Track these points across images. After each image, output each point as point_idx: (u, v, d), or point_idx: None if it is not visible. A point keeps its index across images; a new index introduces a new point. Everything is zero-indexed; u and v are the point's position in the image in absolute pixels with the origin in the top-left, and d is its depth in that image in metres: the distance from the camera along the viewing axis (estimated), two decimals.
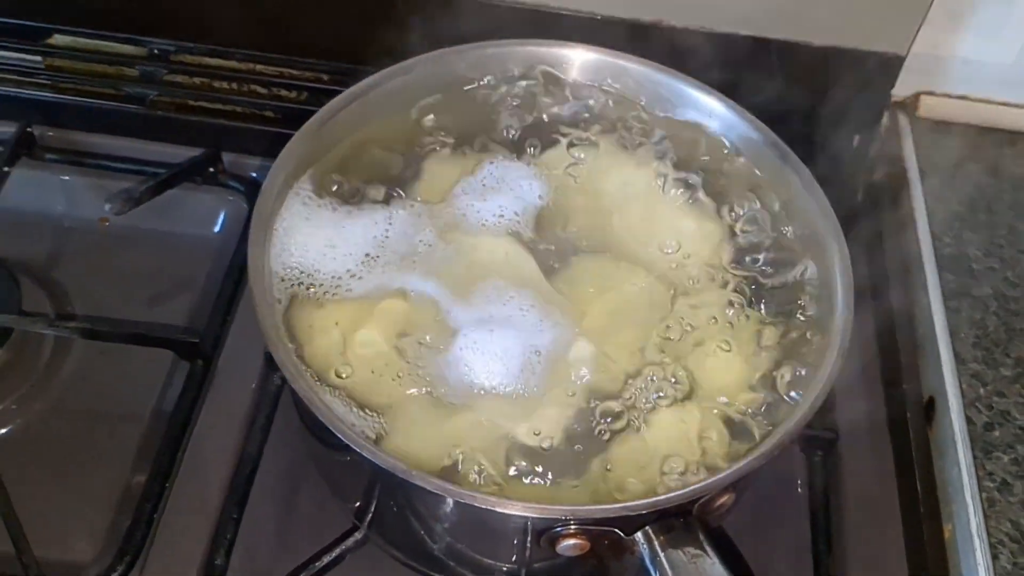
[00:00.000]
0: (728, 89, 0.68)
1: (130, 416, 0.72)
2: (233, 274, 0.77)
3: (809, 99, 0.80)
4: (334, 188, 0.62)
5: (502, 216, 0.61)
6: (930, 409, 0.70)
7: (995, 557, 0.62)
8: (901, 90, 0.84)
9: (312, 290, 0.57)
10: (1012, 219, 0.79)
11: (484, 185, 0.62)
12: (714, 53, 0.77)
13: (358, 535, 0.62)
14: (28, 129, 0.82)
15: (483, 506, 0.48)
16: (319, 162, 0.63)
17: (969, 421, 0.68)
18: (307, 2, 0.82)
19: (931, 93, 0.84)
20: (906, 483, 0.69)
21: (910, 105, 0.85)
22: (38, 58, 0.86)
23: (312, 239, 0.59)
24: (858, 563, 0.66)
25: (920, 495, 0.68)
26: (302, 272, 0.58)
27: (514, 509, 0.49)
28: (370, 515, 0.61)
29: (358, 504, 0.62)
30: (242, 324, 0.74)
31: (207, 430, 0.69)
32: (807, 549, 0.68)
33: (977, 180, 0.82)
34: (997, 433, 0.67)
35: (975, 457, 0.66)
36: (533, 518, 0.49)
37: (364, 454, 0.49)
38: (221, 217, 0.83)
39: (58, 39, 0.86)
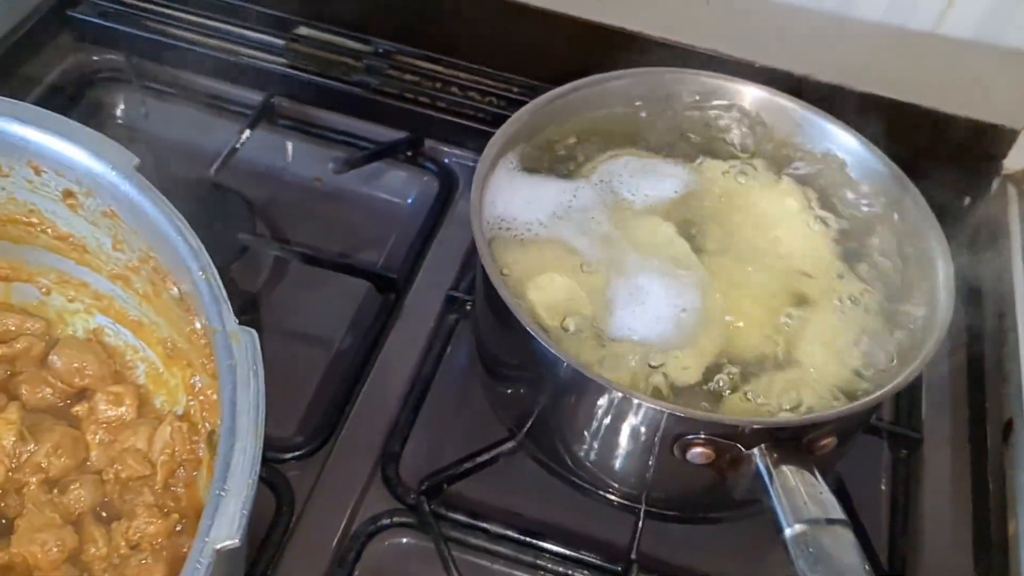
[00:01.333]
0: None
1: (326, 336, 0.87)
2: (423, 235, 0.92)
3: (931, 158, 0.92)
4: (533, 163, 0.77)
5: (639, 195, 0.76)
6: (1008, 429, 0.81)
7: None
8: (1014, 164, 0.96)
9: (510, 231, 0.73)
10: None
11: (629, 168, 0.77)
12: (853, 108, 0.90)
13: (512, 443, 0.76)
14: (271, 100, 1.00)
15: (637, 400, 0.62)
16: (524, 143, 0.78)
17: None
18: (506, 29, 0.99)
19: None
20: (980, 486, 0.80)
21: (1019, 178, 0.97)
22: (282, 43, 1.04)
23: (514, 195, 0.74)
24: (930, 546, 0.77)
25: (992, 495, 0.78)
26: (503, 219, 0.73)
27: (662, 407, 0.62)
28: (526, 427, 0.74)
29: (516, 417, 0.75)
30: (428, 274, 0.89)
31: (392, 351, 0.84)
32: (886, 529, 0.78)
33: None
34: None
35: None
36: (676, 416, 0.62)
37: (547, 346, 0.63)
38: (415, 192, 0.98)
39: (303, 30, 1.04)
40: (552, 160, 0.79)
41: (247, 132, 0.96)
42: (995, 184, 0.96)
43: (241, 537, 0.45)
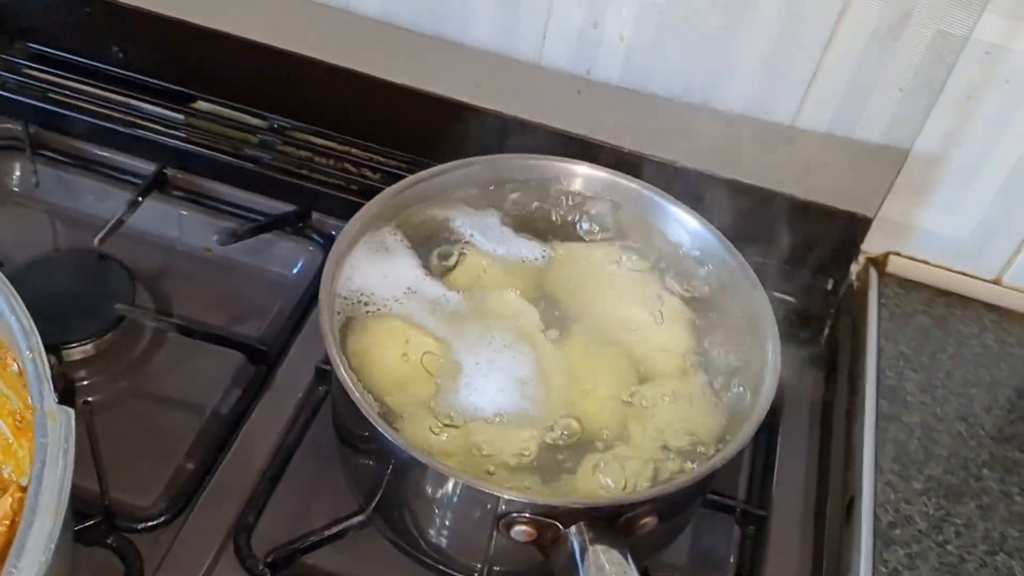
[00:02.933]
0: (729, 230, 0.85)
1: (197, 405, 0.88)
2: (302, 306, 0.95)
3: (793, 243, 0.97)
4: (393, 242, 0.81)
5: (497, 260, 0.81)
6: (849, 507, 0.84)
7: None
8: (874, 247, 1.00)
9: (367, 306, 0.76)
10: (950, 367, 0.94)
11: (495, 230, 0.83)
12: (718, 194, 0.94)
13: (361, 517, 0.78)
14: (164, 170, 1.03)
15: (461, 481, 0.64)
16: (387, 222, 0.82)
17: (876, 518, 0.81)
18: (395, 111, 1.03)
19: (898, 254, 1.00)
20: (818, 563, 0.82)
21: (880, 262, 1.01)
22: (181, 116, 1.07)
23: (371, 271, 0.77)
24: None
25: (825, 573, 0.81)
26: (361, 293, 0.76)
27: (484, 488, 0.64)
28: (374, 502, 0.76)
29: (366, 492, 0.77)
30: (302, 346, 0.91)
31: (258, 422, 0.85)
32: None
33: (927, 331, 0.96)
34: (898, 531, 0.80)
35: (875, 547, 0.79)
36: (497, 496, 0.64)
37: (379, 429, 0.65)
38: (301, 262, 1.01)
39: (201, 104, 1.08)
40: (413, 238, 0.82)
41: (136, 202, 0.99)
42: (856, 267, 1.01)
43: None
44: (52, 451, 0.53)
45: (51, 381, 0.58)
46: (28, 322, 0.59)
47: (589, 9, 0.91)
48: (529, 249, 0.83)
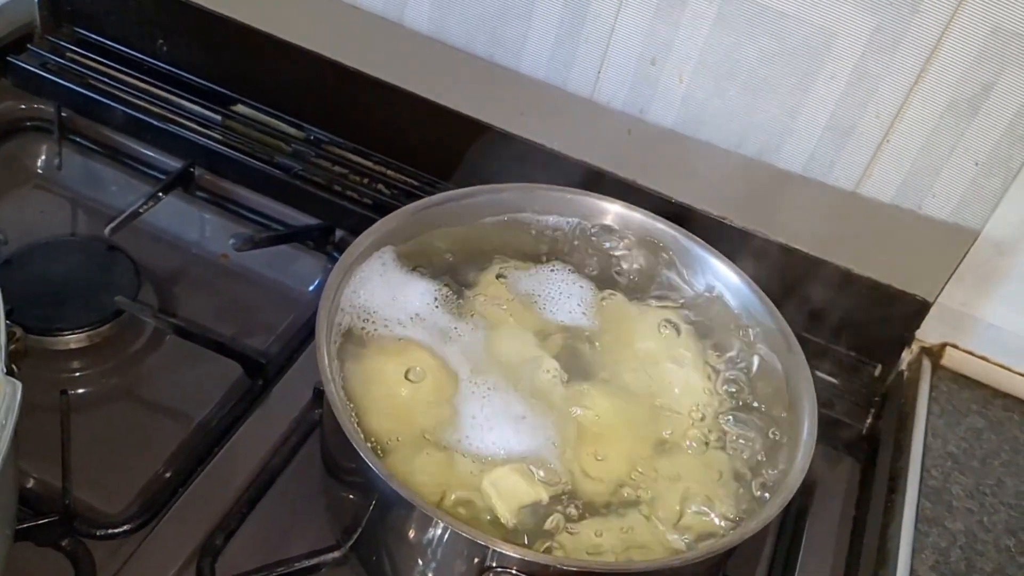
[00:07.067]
0: (775, 298, 0.78)
1: (184, 414, 0.83)
2: (311, 324, 0.90)
3: (842, 320, 0.89)
4: (408, 261, 0.75)
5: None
6: None
7: None
8: (930, 336, 0.92)
9: (368, 323, 0.70)
10: (1003, 475, 0.85)
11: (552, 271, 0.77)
12: (766, 256, 0.88)
13: (336, 554, 0.71)
14: (191, 168, 0.99)
15: (443, 523, 0.57)
16: (405, 239, 0.76)
17: None
18: (436, 133, 0.98)
19: (956, 347, 0.92)
20: None
21: (936, 352, 0.93)
22: (218, 117, 1.04)
23: (380, 289, 0.71)
24: None
25: None
26: (365, 309, 0.70)
27: (469, 534, 0.57)
28: (352, 539, 0.69)
29: (346, 526, 0.70)
30: (305, 365, 0.86)
31: (245, 438, 0.80)
32: None
33: (980, 433, 0.88)
34: None
35: None
36: (492, 550, 0.57)
37: (362, 455, 0.59)
38: (318, 279, 0.96)
39: (240, 108, 1.04)
40: (431, 260, 0.77)
41: (157, 196, 0.95)
42: (908, 355, 0.93)
43: None
44: None
45: (4, 350, 0.52)
46: None
47: (650, 46, 0.86)
48: (570, 292, 0.77)
